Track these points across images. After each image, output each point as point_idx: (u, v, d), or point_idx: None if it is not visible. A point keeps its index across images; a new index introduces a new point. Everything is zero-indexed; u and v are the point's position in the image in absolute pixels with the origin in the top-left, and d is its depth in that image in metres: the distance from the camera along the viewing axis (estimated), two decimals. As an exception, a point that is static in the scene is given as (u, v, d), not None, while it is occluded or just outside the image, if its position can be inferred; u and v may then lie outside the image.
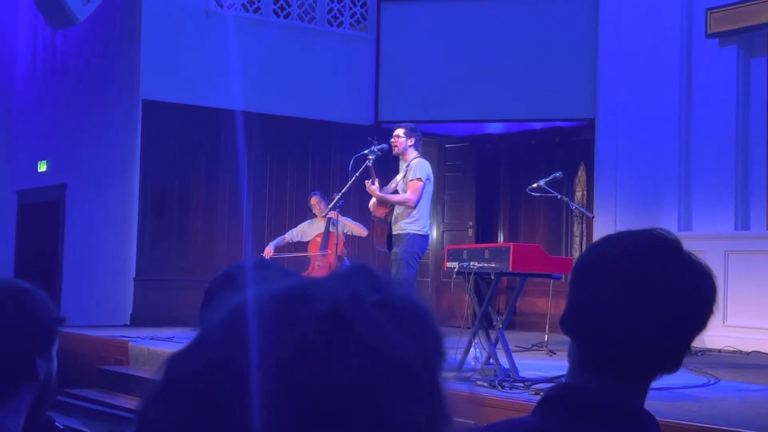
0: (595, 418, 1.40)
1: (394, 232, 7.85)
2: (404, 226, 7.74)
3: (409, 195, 7.71)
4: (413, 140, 7.97)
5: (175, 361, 0.73)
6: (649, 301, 1.40)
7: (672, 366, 1.45)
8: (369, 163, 7.89)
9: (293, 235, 10.07)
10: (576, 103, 11.33)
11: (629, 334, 1.40)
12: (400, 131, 7.98)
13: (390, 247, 7.93)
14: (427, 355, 0.73)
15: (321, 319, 0.70)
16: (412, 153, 7.97)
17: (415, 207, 7.73)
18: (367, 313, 0.72)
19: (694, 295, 1.44)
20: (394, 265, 7.75)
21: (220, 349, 0.71)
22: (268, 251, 9.75)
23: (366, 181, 7.88)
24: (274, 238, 10.16)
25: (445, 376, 0.75)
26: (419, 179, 7.73)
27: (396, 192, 7.95)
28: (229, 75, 10.79)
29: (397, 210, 7.82)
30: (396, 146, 8.01)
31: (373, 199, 8.06)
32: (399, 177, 8.04)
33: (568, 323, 1.48)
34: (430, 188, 7.88)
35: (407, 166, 7.91)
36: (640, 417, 1.43)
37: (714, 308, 1.46)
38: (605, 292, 1.43)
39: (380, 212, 7.97)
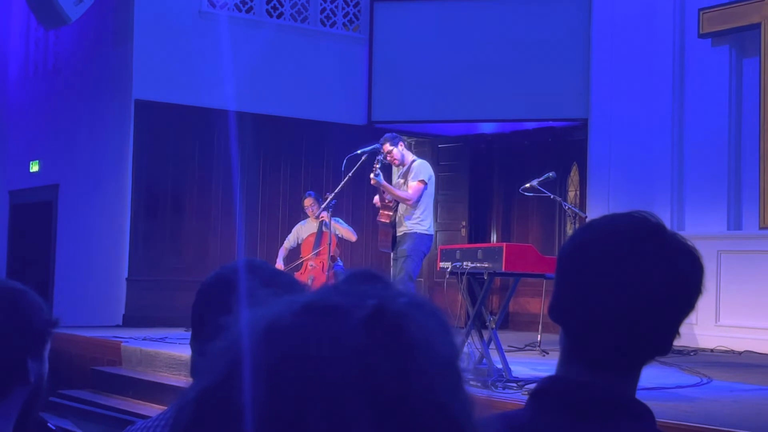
0: (587, 410, 1.39)
1: (400, 233, 7.91)
2: (410, 225, 7.83)
3: (411, 194, 7.82)
4: (401, 144, 8.09)
5: (205, 396, 0.70)
6: (634, 286, 1.39)
7: (662, 349, 1.44)
8: (375, 175, 7.88)
9: (289, 242, 10.04)
10: (569, 103, 11.34)
11: (616, 319, 1.40)
12: (386, 146, 8.09)
13: (394, 248, 7.99)
14: (455, 347, 0.75)
15: (368, 326, 0.69)
16: (409, 156, 8.07)
17: (414, 206, 7.81)
18: (408, 314, 0.72)
19: (680, 277, 1.43)
20: (399, 263, 7.78)
21: (259, 373, 0.68)
22: (280, 267, 9.72)
23: (370, 175, 7.91)
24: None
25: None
26: (422, 181, 7.85)
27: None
28: (222, 75, 10.78)
29: (401, 211, 7.89)
30: (394, 160, 8.10)
31: (377, 196, 8.11)
32: (401, 181, 8.11)
33: (556, 311, 1.48)
34: (431, 189, 7.96)
35: (408, 169, 7.98)
36: (633, 408, 1.42)
37: (702, 288, 1.45)
38: (590, 277, 1.43)
39: (384, 217, 8.02)
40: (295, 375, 0.67)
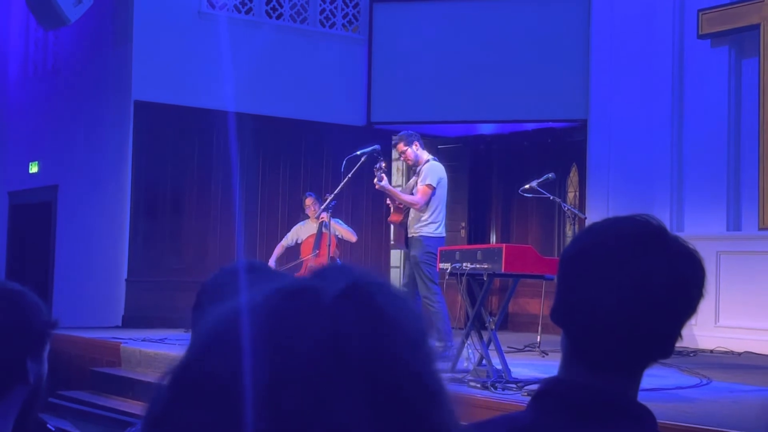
0: (588, 412, 1.39)
1: (409, 235, 7.88)
2: (417, 228, 7.78)
3: (417, 198, 7.74)
4: (416, 144, 7.94)
5: (185, 372, 0.72)
6: (636, 289, 1.40)
7: (664, 352, 1.45)
8: (379, 180, 7.83)
9: (287, 240, 10.03)
10: (568, 104, 11.34)
11: (618, 322, 1.40)
12: (400, 146, 7.95)
13: (408, 245, 7.98)
14: (424, 327, 0.76)
15: (341, 299, 0.71)
16: (423, 155, 7.97)
17: (423, 211, 7.74)
18: (379, 289, 0.74)
19: (682, 280, 1.43)
20: (415, 268, 7.75)
21: (238, 351, 0.69)
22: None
23: (374, 180, 7.86)
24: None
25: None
26: (429, 185, 7.75)
27: (411, 194, 7.97)
28: (221, 76, 10.78)
29: (411, 214, 7.86)
30: (408, 160, 8.04)
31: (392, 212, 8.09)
32: (412, 181, 8.09)
33: (558, 314, 1.48)
34: (441, 192, 7.86)
35: (419, 171, 7.92)
36: (635, 410, 1.42)
37: (703, 291, 1.45)
38: (592, 281, 1.43)
39: (395, 218, 8.00)
40: (266, 349, 0.68)
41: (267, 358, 0.68)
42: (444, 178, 7.92)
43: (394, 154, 10.64)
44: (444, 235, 7.97)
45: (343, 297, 0.72)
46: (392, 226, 8.28)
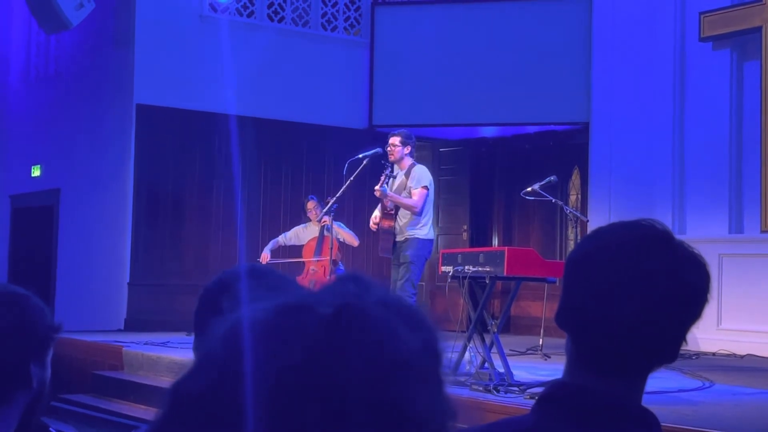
0: (593, 417, 1.39)
1: (400, 239, 7.90)
2: (411, 231, 7.85)
3: (416, 200, 7.82)
4: (409, 148, 8.06)
5: (180, 386, 0.75)
6: (640, 294, 1.40)
7: (668, 357, 1.44)
8: (381, 187, 7.86)
9: (287, 238, 10.03)
10: (570, 106, 11.34)
11: (622, 327, 1.40)
12: (396, 140, 8.04)
13: (396, 249, 8.00)
14: (429, 348, 0.77)
15: (328, 322, 0.73)
16: (408, 160, 8.07)
17: (419, 214, 7.81)
18: (371, 312, 0.75)
19: (686, 286, 1.43)
20: (402, 268, 7.79)
21: (226, 366, 0.73)
22: (265, 257, 9.68)
23: (376, 187, 7.91)
24: (268, 243, 10.11)
25: (445, 370, 0.79)
26: (425, 187, 7.84)
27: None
28: (223, 79, 10.79)
29: (404, 218, 7.88)
30: (392, 154, 8.09)
31: (377, 212, 8.10)
32: (396, 184, 8.08)
33: (562, 318, 1.48)
34: (432, 194, 7.99)
35: (406, 174, 7.97)
36: (640, 414, 1.42)
37: (708, 297, 1.45)
38: (597, 285, 1.43)
39: (386, 224, 8.02)
40: (247, 369, 0.71)
41: (253, 373, 0.71)
42: (432, 181, 8.07)
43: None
44: (433, 237, 8.08)
45: (330, 319, 0.73)
46: (380, 235, 8.25)
